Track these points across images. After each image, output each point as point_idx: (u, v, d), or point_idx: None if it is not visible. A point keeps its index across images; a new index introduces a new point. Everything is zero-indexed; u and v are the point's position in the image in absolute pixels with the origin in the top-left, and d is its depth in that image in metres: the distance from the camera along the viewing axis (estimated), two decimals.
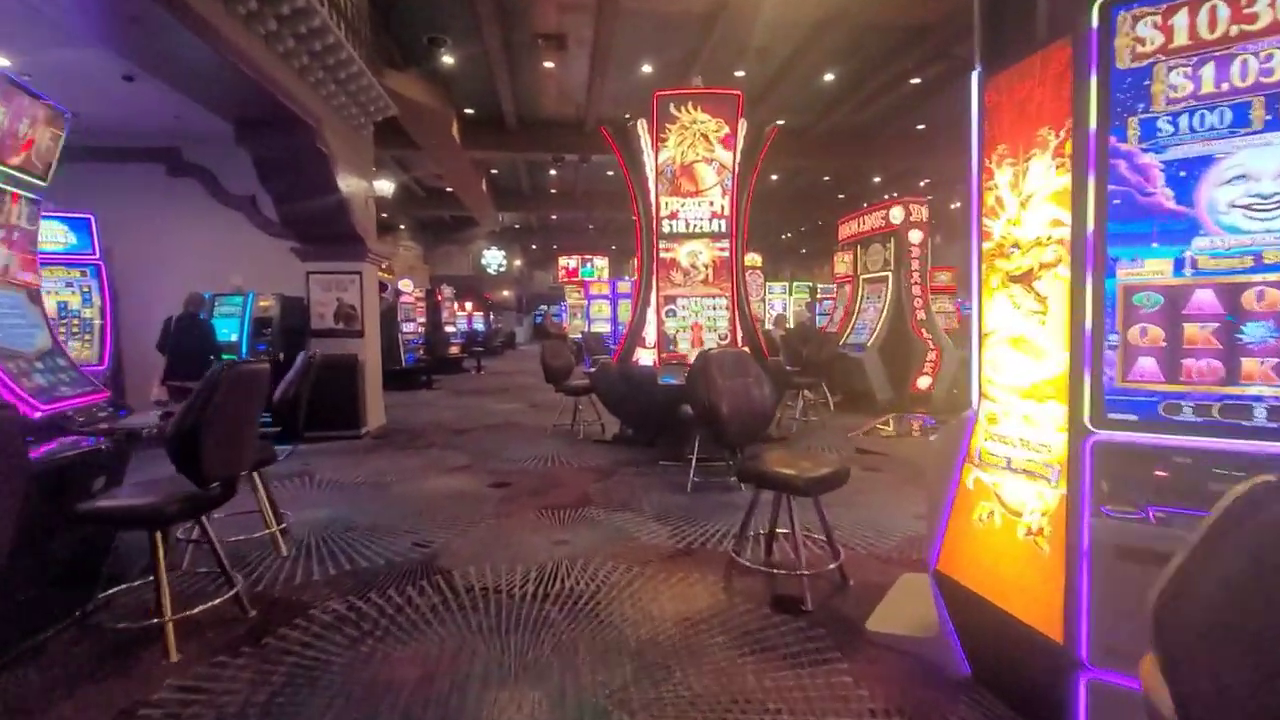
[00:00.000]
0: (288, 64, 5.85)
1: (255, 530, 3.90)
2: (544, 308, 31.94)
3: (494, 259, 28.34)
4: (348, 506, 4.82)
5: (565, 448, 6.81)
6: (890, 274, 9.06)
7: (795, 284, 18.84)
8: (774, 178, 19.29)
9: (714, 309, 6.49)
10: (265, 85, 5.49)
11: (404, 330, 12.51)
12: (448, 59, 11.70)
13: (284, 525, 4.10)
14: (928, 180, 19.28)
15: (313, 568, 3.63)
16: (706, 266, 6.52)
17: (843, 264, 10.32)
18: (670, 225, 6.49)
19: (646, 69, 12.00)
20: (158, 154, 7.42)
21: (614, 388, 6.79)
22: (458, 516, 4.52)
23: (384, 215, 25.20)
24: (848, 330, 9.64)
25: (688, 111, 6.18)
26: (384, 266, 20.55)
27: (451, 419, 8.86)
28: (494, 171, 19.45)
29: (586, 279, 20.30)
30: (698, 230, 6.49)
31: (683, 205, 6.45)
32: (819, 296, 17.47)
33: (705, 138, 6.26)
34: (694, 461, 5.21)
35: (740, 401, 3.42)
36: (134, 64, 5.37)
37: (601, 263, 20.66)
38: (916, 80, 12.66)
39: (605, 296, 15.89)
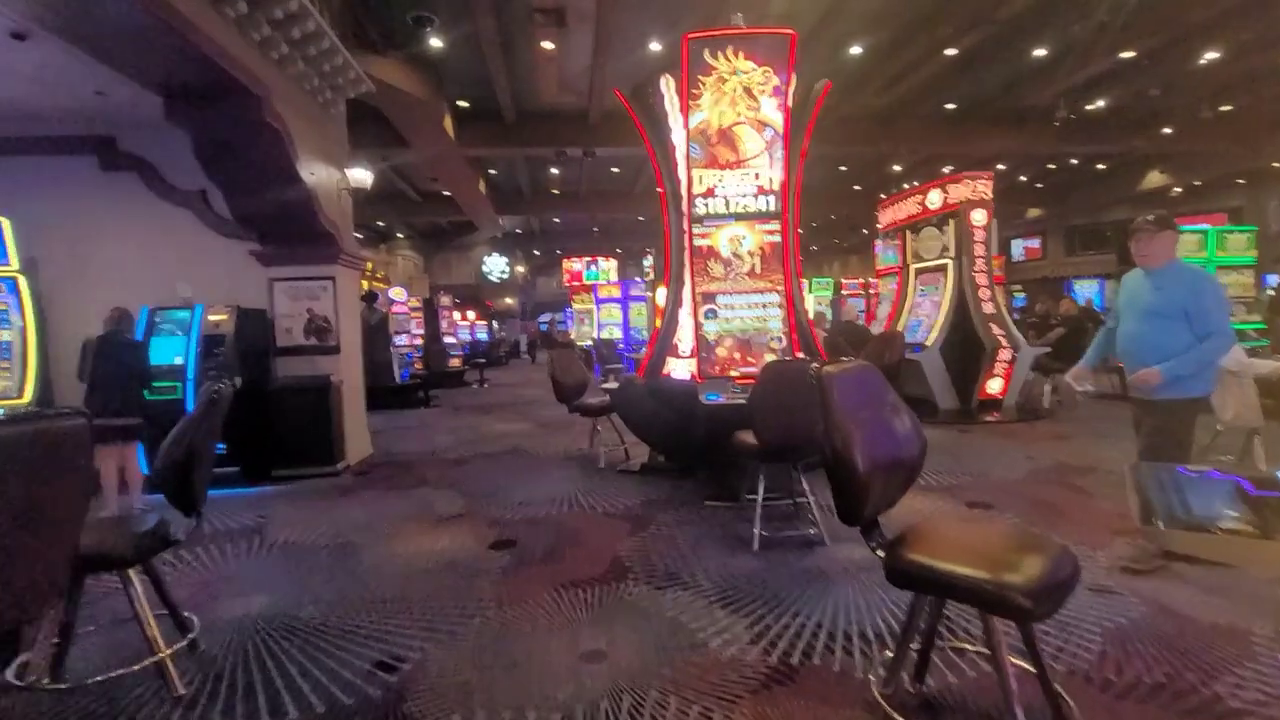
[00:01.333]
0: (220, 13, 4.56)
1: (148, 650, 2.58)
2: (547, 316, 30.68)
3: (496, 266, 27.10)
4: (296, 587, 3.50)
5: (584, 482, 5.49)
6: (950, 261, 7.72)
7: (815, 281, 17.51)
8: None
9: (764, 307, 5.16)
10: (194, 41, 4.21)
11: (397, 343, 11.22)
12: (435, 42, 10.42)
13: (190, 636, 2.79)
14: (950, 167, 17.93)
15: None
16: (752, 255, 5.20)
17: (886, 253, 8.98)
18: (706, 205, 5.17)
19: (655, 47, 10.70)
20: (88, 144, 6.17)
21: (641, 407, 5.47)
22: (443, 605, 3.19)
23: (380, 224, 23.99)
24: (896, 328, 8.29)
25: (726, 59, 4.86)
26: (379, 276, 19.24)
27: (448, 445, 7.55)
28: (492, 171, 18.19)
29: (593, 282, 19.03)
30: (740, 210, 5.17)
31: (721, 180, 5.13)
32: (841, 293, 16.12)
33: (749, 92, 4.95)
34: (759, 507, 3.87)
35: (882, 446, 2.08)
36: (18, 14, 4.09)
37: (608, 265, 19.36)
38: (953, 51, 11.34)
39: (616, 300, 14.59)
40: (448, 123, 12.84)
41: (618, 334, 14.39)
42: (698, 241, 5.20)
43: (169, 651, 2.53)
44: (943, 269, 7.82)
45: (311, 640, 2.88)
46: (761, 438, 3.71)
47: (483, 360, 15.05)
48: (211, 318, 5.82)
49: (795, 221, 5.27)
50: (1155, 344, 3.13)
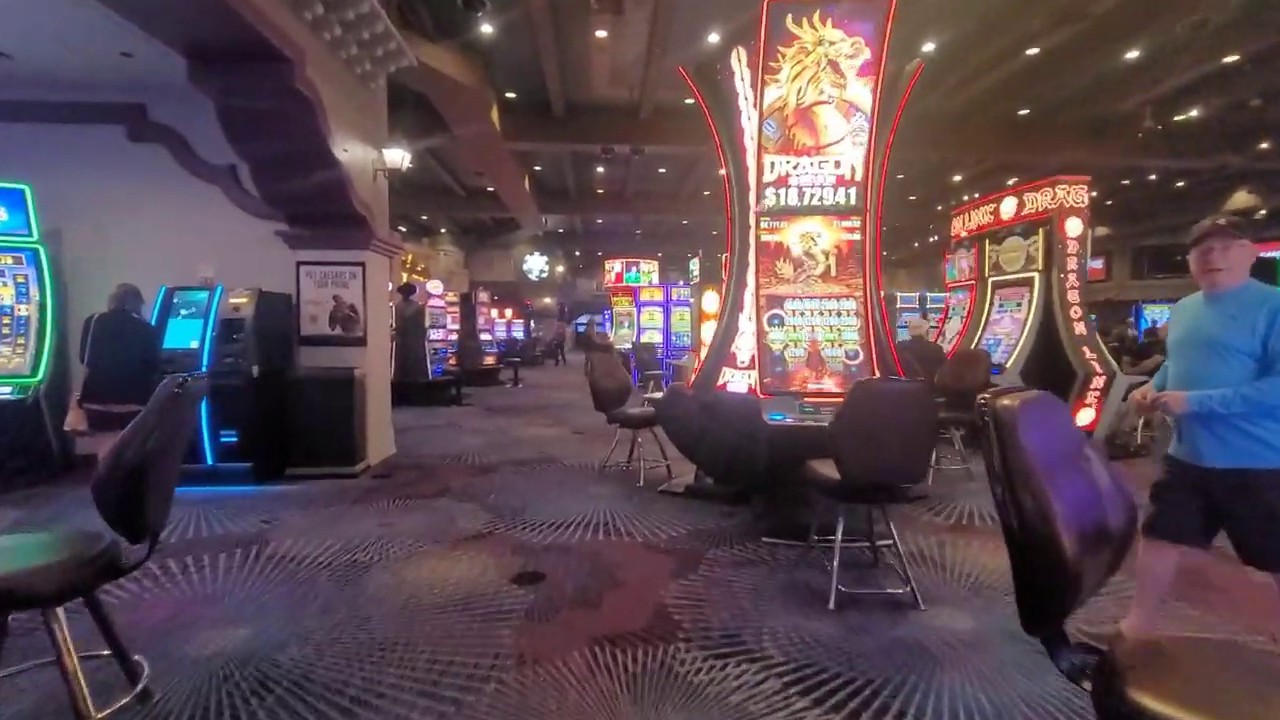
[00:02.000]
0: None
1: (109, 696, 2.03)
2: (585, 317, 30.23)
3: (536, 265, 26.76)
4: (285, 618, 2.94)
5: (622, 504, 4.85)
6: (1037, 274, 6.88)
7: None
8: None
9: (838, 315, 4.46)
10: None
11: (431, 338, 10.79)
12: (486, 28, 9.98)
13: (139, 685, 2.24)
14: (1015, 179, 16.84)
15: None
16: (827, 255, 4.50)
17: (960, 264, 8.15)
18: (777, 196, 4.50)
19: (714, 38, 10.05)
20: (116, 112, 5.82)
21: (690, 422, 4.82)
22: (453, 657, 2.59)
23: (424, 218, 23.87)
24: (977, 347, 7.45)
25: (812, 27, 4.19)
26: (419, 269, 18.96)
27: (476, 448, 7.01)
28: (537, 168, 17.79)
29: (633, 285, 18.43)
30: (816, 203, 4.49)
31: (796, 167, 4.46)
32: (897, 306, 15.19)
33: (834, 67, 4.27)
34: (836, 555, 3.18)
35: (1088, 515, 1.38)
36: None
37: (649, 267, 18.75)
38: (1035, 50, 10.44)
39: (658, 303, 13.96)
40: (494, 114, 12.42)
41: (658, 339, 13.76)
42: (765, 237, 4.53)
43: (101, 717, 1.98)
44: (1028, 283, 6.98)
45: (287, 701, 2.30)
46: (845, 471, 3.03)
47: (517, 359, 14.58)
48: (231, 301, 5.38)
49: (878, 219, 4.56)
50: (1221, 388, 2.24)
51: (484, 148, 13.92)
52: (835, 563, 3.17)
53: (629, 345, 16.15)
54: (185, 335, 5.29)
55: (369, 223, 5.88)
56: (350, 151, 5.64)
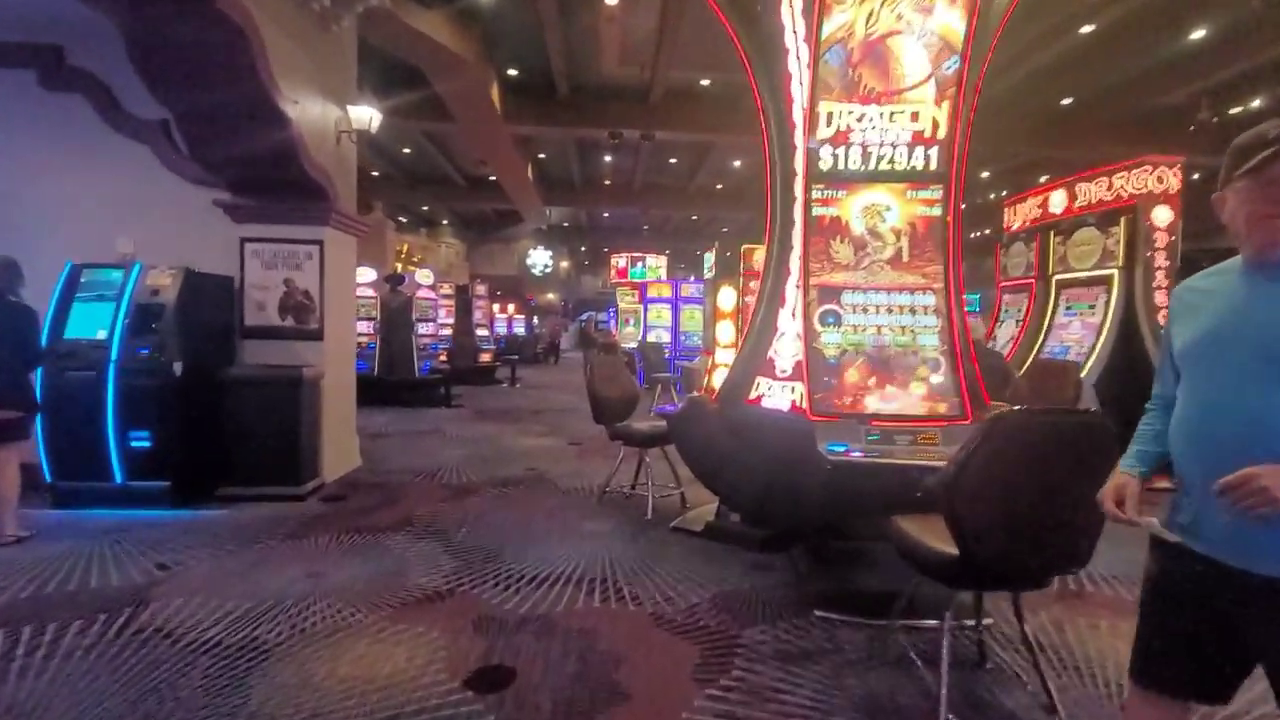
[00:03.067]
0: None
1: None
2: (587, 314, 29.18)
3: (540, 259, 25.72)
4: None
5: (625, 547, 3.79)
6: (1117, 271, 5.78)
7: None
8: None
9: (912, 312, 3.38)
10: None
11: (419, 332, 9.74)
12: None
13: None
14: (1047, 176, 15.72)
15: None
16: (898, 235, 3.43)
17: (1016, 260, 7.06)
18: (835, 157, 3.43)
19: None
20: (27, 54, 4.80)
21: (712, 445, 3.76)
22: None
23: (424, 209, 22.82)
24: (1033, 355, 6.37)
25: None
26: (416, 260, 17.90)
27: (457, 462, 5.95)
28: (541, 156, 16.72)
29: (639, 280, 17.37)
30: (886, 167, 3.42)
31: (861, 119, 3.38)
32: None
33: None
34: (945, 656, 2.11)
35: None
36: None
37: (657, 262, 17.68)
38: (1090, 27, 9.33)
39: (666, 300, 12.88)
40: (495, 93, 11.36)
41: (666, 338, 12.69)
42: (817, 210, 3.46)
43: None
44: (1103, 281, 5.89)
45: None
46: (970, 546, 1.96)
47: (515, 357, 13.52)
48: (149, 282, 4.33)
49: (961, 190, 3.48)
50: None
51: (484, 132, 12.86)
52: (945, 669, 2.10)
53: (633, 345, 15.10)
54: (92, 323, 4.25)
55: (327, 193, 4.83)
56: (304, 106, 4.59)
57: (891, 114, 3.35)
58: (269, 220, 4.87)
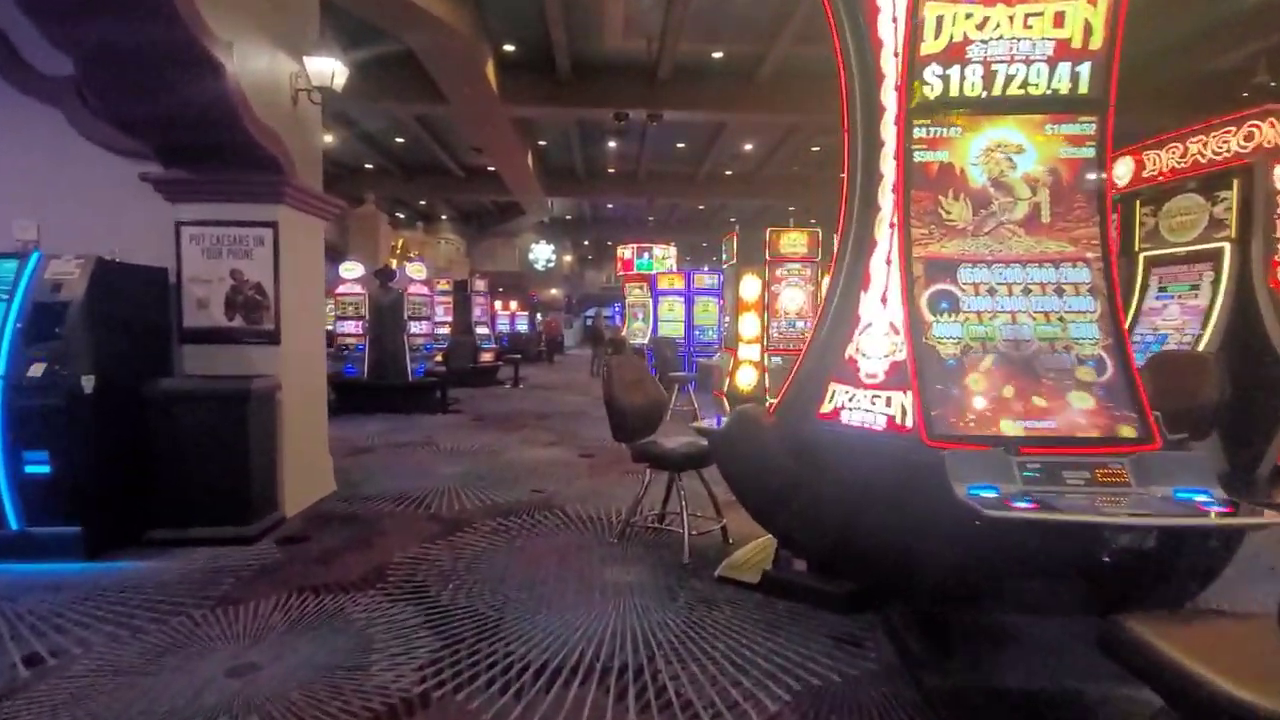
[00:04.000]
0: None
1: None
2: (594, 309, 28.24)
3: (542, 254, 24.76)
4: None
5: (660, 609, 2.86)
6: (1228, 245, 4.81)
7: None
8: None
9: (1058, 292, 2.42)
10: None
11: (412, 331, 8.81)
12: None
13: None
14: None
15: None
16: (1034, 186, 2.47)
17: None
18: (944, 80, 2.47)
19: None
20: None
21: (768, 472, 2.84)
22: None
23: (422, 203, 21.88)
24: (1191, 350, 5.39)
25: None
26: (412, 255, 16.96)
27: (449, 483, 5.03)
28: (542, 143, 15.75)
29: (646, 272, 16.41)
30: (1016, 91, 2.45)
31: (983, 25, 2.42)
32: None
33: None
34: None
35: None
36: None
37: (665, 252, 16.72)
38: None
39: (678, 292, 11.93)
40: (490, 71, 10.39)
41: (678, 333, 11.74)
42: (921, 156, 2.50)
43: None
44: (1210, 257, 4.92)
45: None
46: None
47: (518, 356, 12.59)
48: (51, 275, 3.39)
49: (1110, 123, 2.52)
50: None
51: (481, 115, 11.89)
52: None
53: (642, 341, 14.15)
54: None
55: (280, 163, 3.88)
56: (245, 52, 3.64)
57: (1027, 17, 2.39)
58: (209, 197, 3.93)
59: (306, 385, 4.39)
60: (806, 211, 19.93)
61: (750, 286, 7.81)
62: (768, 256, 7.76)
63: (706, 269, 12.50)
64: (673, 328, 11.85)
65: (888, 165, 2.65)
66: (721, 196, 19.45)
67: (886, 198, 2.65)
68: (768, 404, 3.18)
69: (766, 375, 7.63)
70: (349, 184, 16.82)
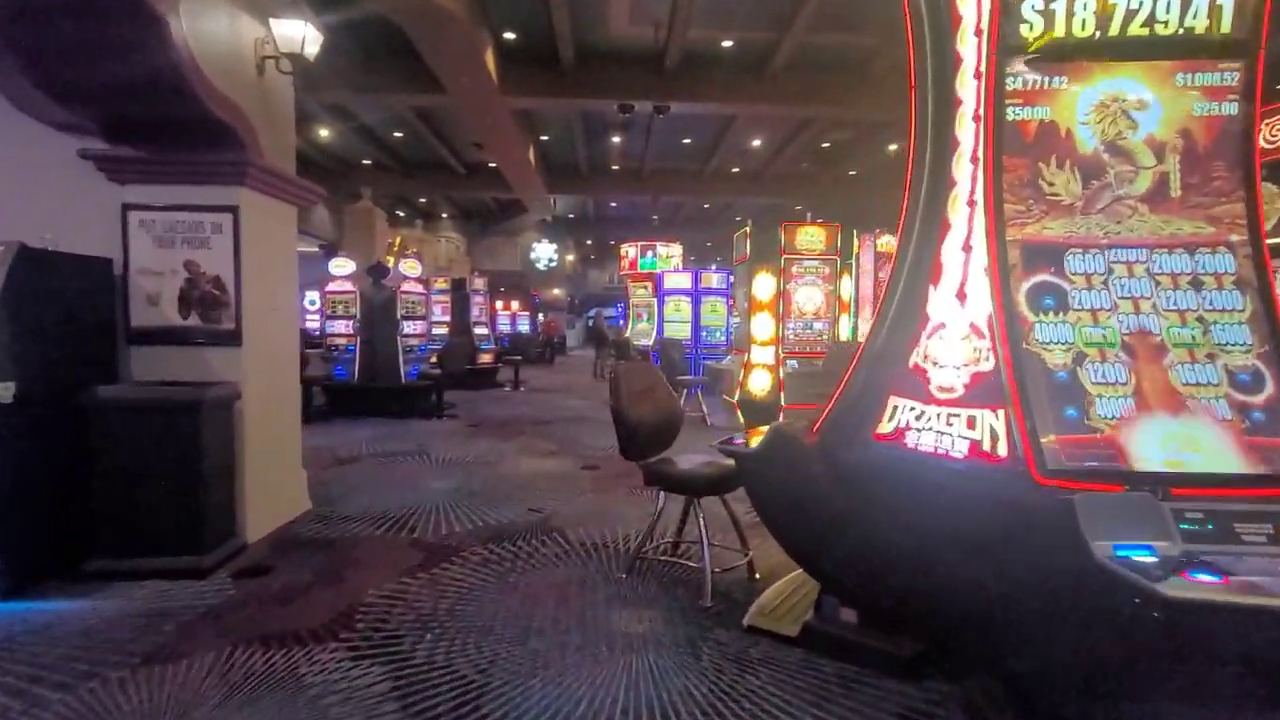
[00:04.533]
0: None
1: None
2: (595, 310, 27.75)
3: (544, 253, 24.26)
4: None
5: (680, 670, 2.33)
6: None
7: None
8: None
9: (1196, 286, 1.89)
10: None
11: (405, 331, 8.29)
12: None
13: None
14: None
15: None
16: (1160, 153, 1.94)
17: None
18: (1048, 14, 1.94)
19: None
20: None
21: (810, 504, 2.32)
22: None
23: (422, 200, 21.39)
24: None
25: None
26: (410, 252, 16.48)
27: (437, 499, 4.51)
28: (544, 138, 15.23)
29: (650, 271, 15.90)
30: (1139, 31, 1.93)
31: None
32: None
33: None
34: None
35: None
36: None
37: (669, 250, 16.20)
38: None
39: (684, 291, 11.41)
40: (490, 60, 9.89)
41: (684, 333, 11.21)
42: (1014, 113, 1.98)
43: None
44: None
45: None
46: None
47: (519, 358, 12.08)
48: None
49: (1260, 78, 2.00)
50: None
51: (480, 107, 11.39)
52: None
53: (646, 342, 13.63)
54: None
55: (240, 139, 3.37)
56: (197, 12, 3.14)
57: None
58: (160, 178, 3.42)
59: (275, 392, 3.87)
60: (815, 211, 19.43)
61: (764, 285, 7.29)
62: (783, 253, 7.24)
63: (714, 267, 11.97)
64: (679, 329, 11.32)
65: (965, 129, 2.12)
66: (728, 194, 18.93)
67: (963, 169, 2.13)
68: (807, 421, 2.66)
69: (782, 380, 7.10)
70: (347, 180, 16.35)
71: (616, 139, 14.70)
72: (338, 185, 17.12)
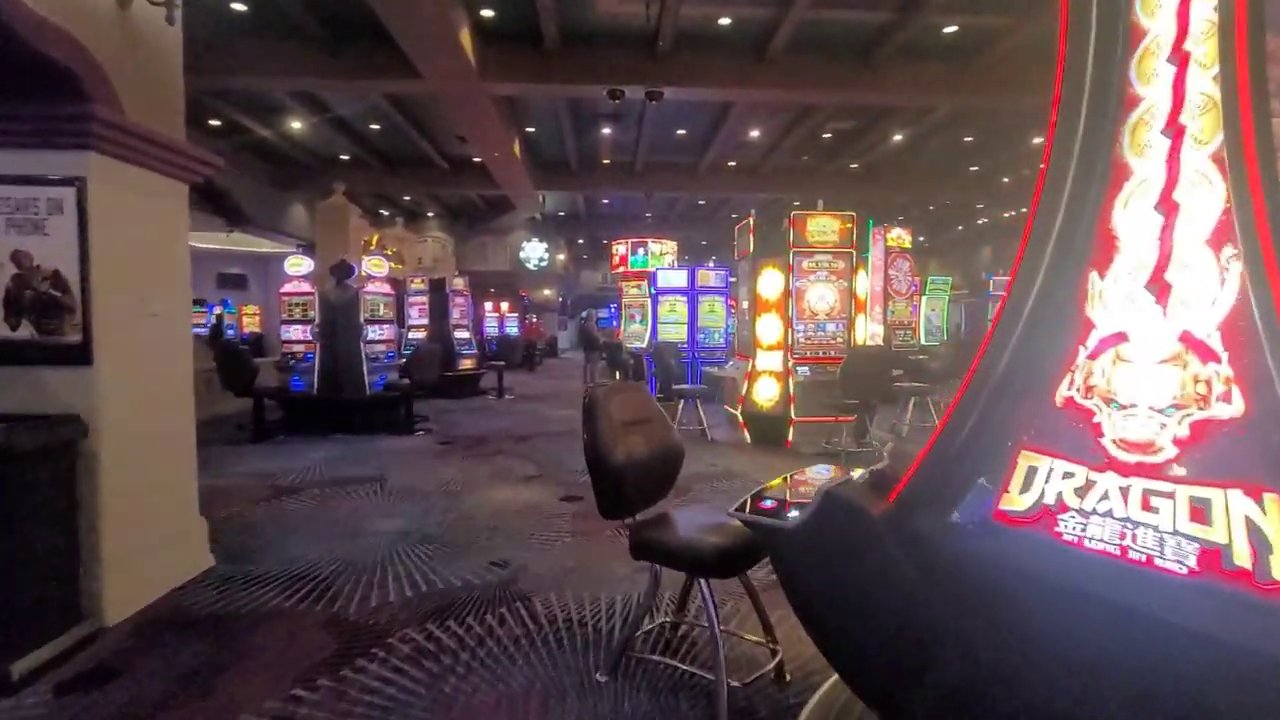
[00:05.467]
0: None
1: None
2: (586, 311, 26.86)
3: (534, 253, 23.34)
4: None
5: None
6: None
7: (930, 280, 13.04)
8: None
9: None
10: None
11: (370, 337, 7.37)
12: None
13: None
14: None
15: None
16: None
17: None
18: None
19: None
20: None
21: (887, 609, 1.41)
22: None
23: (407, 199, 20.42)
24: None
25: None
26: (390, 252, 15.60)
27: (375, 550, 3.61)
28: (530, 130, 14.31)
29: (642, 269, 15.06)
30: None
31: None
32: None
33: None
34: None
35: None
36: None
37: (662, 247, 15.39)
38: None
39: (680, 291, 10.52)
40: (466, 40, 8.97)
41: (681, 335, 10.33)
42: None
43: None
44: None
45: None
46: None
47: (501, 364, 11.16)
48: None
49: None
50: None
51: (460, 94, 10.48)
52: None
53: (639, 345, 12.75)
54: None
55: (83, 87, 2.46)
56: None
57: None
58: None
59: (153, 423, 2.96)
60: (814, 207, 18.60)
61: (771, 282, 6.41)
62: (792, 246, 6.36)
63: (712, 264, 11.09)
64: (674, 330, 10.43)
65: (1161, 13, 1.24)
66: (724, 190, 18.06)
67: (1156, 82, 1.24)
68: (868, 476, 1.77)
69: (792, 389, 6.23)
70: (325, 176, 15.40)
71: (607, 130, 13.79)
72: (315, 182, 16.17)
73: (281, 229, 16.50)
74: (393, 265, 12.58)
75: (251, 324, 18.58)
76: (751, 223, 6.85)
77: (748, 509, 1.87)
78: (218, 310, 16.96)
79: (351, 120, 13.63)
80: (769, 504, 1.88)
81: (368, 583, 3.12)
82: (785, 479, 2.07)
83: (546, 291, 24.75)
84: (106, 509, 2.63)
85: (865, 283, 6.46)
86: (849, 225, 6.37)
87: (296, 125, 13.40)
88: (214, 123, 13.11)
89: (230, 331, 16.82)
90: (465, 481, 5.11)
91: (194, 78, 10.32)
